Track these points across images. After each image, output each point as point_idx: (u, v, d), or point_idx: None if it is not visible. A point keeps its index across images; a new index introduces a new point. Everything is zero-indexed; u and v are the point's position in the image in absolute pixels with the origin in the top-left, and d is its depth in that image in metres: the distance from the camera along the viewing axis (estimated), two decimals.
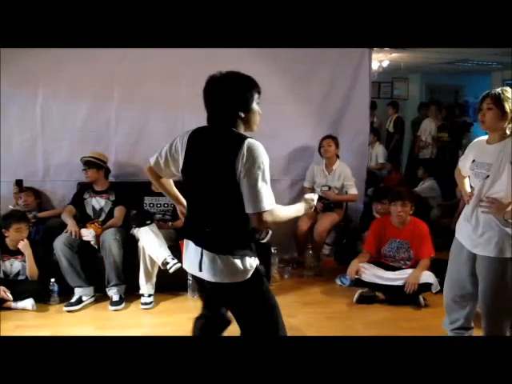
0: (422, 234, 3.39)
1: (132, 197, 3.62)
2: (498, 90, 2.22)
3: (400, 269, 3.39)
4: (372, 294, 3.39)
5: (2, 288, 3.12)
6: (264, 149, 1.65)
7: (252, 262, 1.71)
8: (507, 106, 2.18)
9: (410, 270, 3.32)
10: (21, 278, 3.27)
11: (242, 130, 1.72)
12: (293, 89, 4.01)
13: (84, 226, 3.38)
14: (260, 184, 1.61)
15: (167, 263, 3.16)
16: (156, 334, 2.82)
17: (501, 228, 2.23)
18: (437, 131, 6.12)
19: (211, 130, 1.74)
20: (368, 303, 3.34)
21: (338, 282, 3.70)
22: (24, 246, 3.23)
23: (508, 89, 2.24)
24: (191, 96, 3.66)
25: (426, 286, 3.24)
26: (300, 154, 4.19)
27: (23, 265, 3.26)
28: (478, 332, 2.54)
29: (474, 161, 2.35)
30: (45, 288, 3.23)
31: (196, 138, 1.75)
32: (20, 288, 3.17)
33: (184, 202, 1.94)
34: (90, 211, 3.53)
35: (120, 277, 3.27)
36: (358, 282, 3.36)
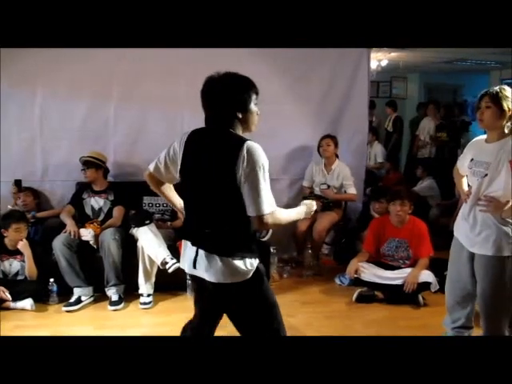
0: (420, 234, 3.39)
1: (131, 197, 3.62)
2: (496, 88, 2.23)
3: (399, 268, 3.39)
4: (371, 293, 3.39)
5: (1, 288, 3.11)
6: (263, 150, 1.65)
7: (253, 262, 1.71)
8: (505, 105, 2.19)
9: (409, 269, 3.32)
10: (20, 277, 3.26)
11: (239, 130, 1.72)
12: (292, 88, 4.01)
13: (83, 226, 3.37)
14: (260, 186, 1.61)
15: (166, 263, 3.16)
16: (155, 333, 2.82)
17: (498, 226, 2.24)
18: (435, 130, 6.13)
19: (209, 131, 1.74)
20: (367, 302, 3.34)
21: (337, 281, 3.70)
22: (23, 246, 3.22)
23: (506, 87, 2.25)
24: (190, 95, 3.65)
25: (425, 285, 3.25)
26: (299, 153, 4.20)
27: (22, 265, 3.26)
28: (477, 331, 2.55)
29: (472, 159, 2.36)
30: (44, 288, 3.23)
31: (194, 140, 1.75)
32: (19, 288, 3.17)
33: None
34: (88, 211, 3.53)
35: (119, 277, 3.27)
36: (357, 282, 3.36)
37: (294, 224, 3.91)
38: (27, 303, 3.13)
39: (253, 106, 1.72)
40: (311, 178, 4.11)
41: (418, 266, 3.31)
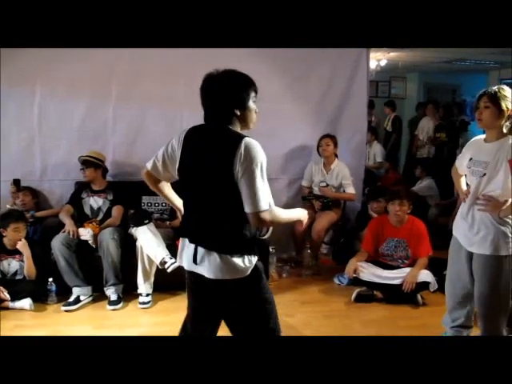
0: (419, 233, 3.40)
1: (130, 196, 3.62)
2: (495, 88, 2.23)
3: (398, 267, 3.39)
4: (370, 293, 3.40)
5: (0, 288, 3.11)
6: (261, 148, 1.65)
7: (251, 260, 1.71)
8: (504, 104, 2.19)
9: (407, 269, 3.32)
10: (18, 277, 3.26)
11: (238, 128, 1.72)
12: (291, 88, 4.01)
13: (82, 226, 3.37)
14: (258, 183, 1.61)
15: (165, 262, 3.16)
16: (154, 333, 2.82)
17: (496, 226, 2.24)
18: (434, 131, 6.13)
19: (208, 128, 1.74)
20: (366, 302, 3.35)
21: (336, 280, 3.70)
22: (22, 245, 3.22)
23: (505, 87, 2.25)
24: (189, 95, 3.65)
25: (424, 285, 3.25)
26: (298, 152, 4.20)
27: (21, 264, 3.25)
28: (476, 330, 2.55)
29: (471, 159, 2.36)
30: (43, 288, 3.23)
31: (192, 137, 1.75)
32: (18, 288, 3.17)
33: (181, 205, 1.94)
34: (87, 211, 3.53)
35: (118, 276, 3.27)
36: (356, 281, 3.36)
37: (292, 223, 3.91)
38: (26, 303, 3.13)
39: (251, 104, 1.72)
40: (310, 177, 4.12)
41: (417, 265, 3.31)
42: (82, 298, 3.22)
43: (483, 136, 2.37)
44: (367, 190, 4.61)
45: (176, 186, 1.93)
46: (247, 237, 1.71)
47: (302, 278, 3.82)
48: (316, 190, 4.05)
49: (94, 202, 3.55)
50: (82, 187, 3.61)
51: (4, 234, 3.26)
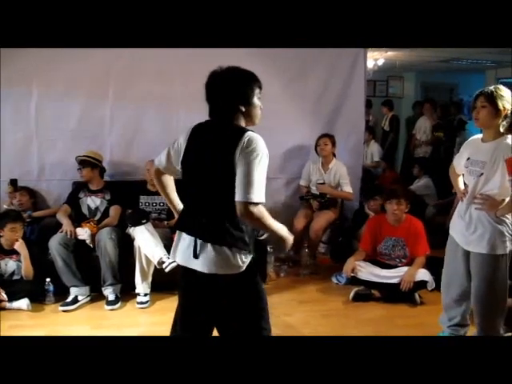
0: (417, 232, 3.40)
1: (127, 196, 3.61)
2: (492, 87, 2.25)
3: (396, 267, 3.40)
4: (368, 292, 3.40)
5: None
6: (264, 143, 1.65)
7: (246, 256, 1.71)
8: (500, 104, 2.20)
9: (405, 268, 3.33)
10: (16, 277, 3.25)
11: (243, 123, 1.74)
12: (289, 87, 4.01)
13: (79, 226, 3.37)
14: (254, 174, 1.59)
15: (163, 262, 3.16)
16: (152, 333, 2.81)
17: (493, 225, 2.25)
18: (432, 130, 6.14)
19: (212, 123, 1.75)
20: (364, 301, 3.35)
21: (333, 280, 3.70)
22: (20, 246, 3.21)
23: (501, 87, 2.27)
24: (186, 94, 3.68)
25: (422, 284, 3.26)
26: (296, 152, 4.20)
27: (18, 264, 3.25)
28: (473, 329, 2.56)
29: (468, 158, 2.37)
30: (40, 288, 3.22)
31: (198, 132, 1.77)
32: (15, 288, 3.16)
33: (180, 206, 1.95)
34: (85, 210, 3.52)
35: (116, 276, 3.27)
36: (353, 280, 3.37)
37: (290, 223, 3.92)
38: (23, 303, 3.12)
39: (256, 100, 1.73)
40: (308, 177, 4.12)
41: (415, 264, 3.32)
42: (79, 297, 3.22)
43: (480, 135, 2.38)
44: (361, 188, 4.60)
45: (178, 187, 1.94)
46: (244, 231, 1.71)
47: (300, 277, 3.82)
48: (314, 190, 4.05)
49: (92, 201, 3.54)
50: (79, 187, 3.61)
51: (1, 234, 3.25)
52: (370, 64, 6.01)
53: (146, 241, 3.23)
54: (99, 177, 3.58)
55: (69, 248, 3.24)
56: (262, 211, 1.63)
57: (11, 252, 3.25)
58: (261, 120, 1.79)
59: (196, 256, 1.71)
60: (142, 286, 3.28)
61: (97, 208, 3.53)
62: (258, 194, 1.60)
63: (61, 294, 3.22)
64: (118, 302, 3.23)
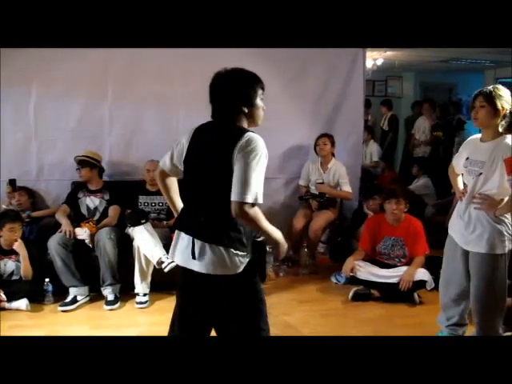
0: (416, 232, 3.41)
1: (126, 196, 3.61)
2: (490, 87, 2.25)
3: (395, 266, 3.40)
4: (367, 292, 3.40)
5: None
6: (264, 144, 1.65)
7: (244, 257, 1.71)
8: (499, 104, 2.21)
9: (404, 268, 3.33)
10: (14, 278, 3.25)
11: (245, 124, 1.74)
12: (288, 87, 4.01)
13: (78, 226, 3.36)
14: (251, 175, 1.59)
15: (162, 262, 3.16)
16: (151, 333, 2.81)
17: (492, 225, 2.26)
18: (431, 130, 6.15)
19: (215, 124, 1.76)
20: (363, 301, 3.35)
21: (333, 279, 3.70)
22: (19, 246, 3.21)
23: (500, 86, 2.27)
24: (185, 95, 3.68)
25: (421, 284, 3.26)
26: (295, 152, 4.20)
27: (17, 265, 3.24)
28: (472, 328, 2.56)
29: (467, 158, 2.37)
30: (39, 288, 3.21)
31: (200, 132, 1.78)
32: (14, 288, 3.16)
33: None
34: (84, 210, 3.52)
35: (115, 276, 3.26)
36: (353, 280, 3.37)
37: (289, 223, 3.92)
38: (22, 303, 3.12)
39: (258, 101, 1.74)
40: (307, 176, 4.12)
41: (414, 264, 3.32)
42: (78, 298, 3.22)
43: (479, 135, 2.38)
44: (360, 188, 4.60)
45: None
46: (241, 232, 1.70)
47: (300, 277, 3.82)
48: (313, 190, 4.06)
49: (91, 201, 3.54)
50: (78, 187, 3.61)
51: (0, 235, 3.25)
52: (369, 64, 6.02)
53: (145, 241, 3.23)
54: (98, 177, 3.58)
55: (68, 248, 3.23)
56: (257, 212, 1.62)
57: (10, 252, 3.25)
58: (262, 121, 1.80)
59: (194, 256, 1.71)
60: (141, 286, 3.28)
61: (96, 208, 3.53)
62: (254, 194, 1.59)
63: (60, 294, 3.22)
64: (117, 302, 3.23)
